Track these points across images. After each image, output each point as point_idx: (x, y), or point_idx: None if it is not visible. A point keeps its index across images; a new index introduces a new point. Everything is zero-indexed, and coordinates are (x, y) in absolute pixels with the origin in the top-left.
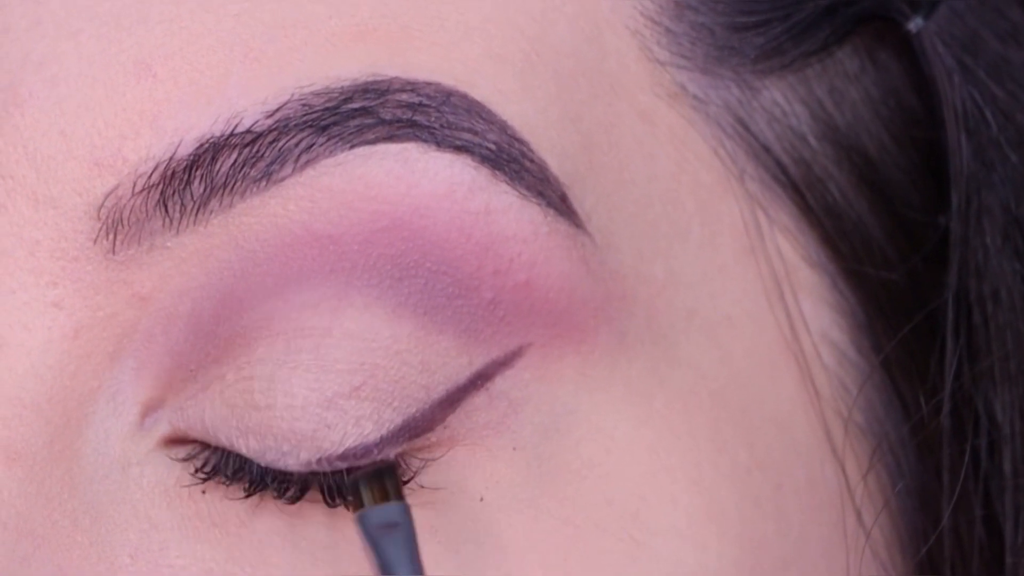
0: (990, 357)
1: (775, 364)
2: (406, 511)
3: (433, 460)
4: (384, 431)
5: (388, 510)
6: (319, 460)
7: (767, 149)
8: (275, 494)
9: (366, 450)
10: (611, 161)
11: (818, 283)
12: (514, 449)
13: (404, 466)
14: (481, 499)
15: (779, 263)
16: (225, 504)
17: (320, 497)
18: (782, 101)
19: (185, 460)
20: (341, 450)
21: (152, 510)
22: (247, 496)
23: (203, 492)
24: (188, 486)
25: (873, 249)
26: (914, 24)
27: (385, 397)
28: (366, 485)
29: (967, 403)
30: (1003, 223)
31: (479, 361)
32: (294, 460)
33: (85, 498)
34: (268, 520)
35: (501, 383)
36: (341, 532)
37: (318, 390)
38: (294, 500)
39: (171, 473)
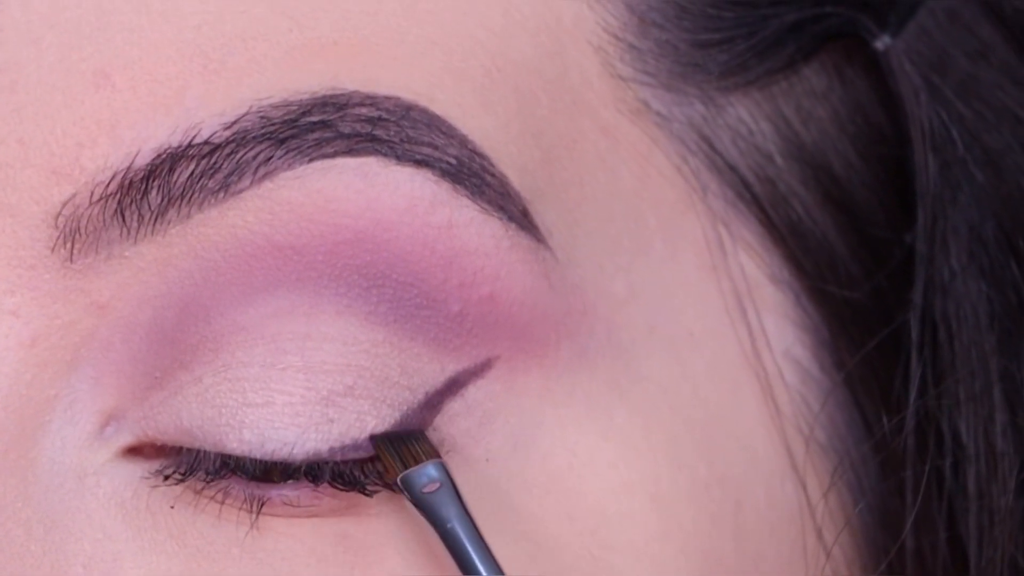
0: (954, 376)
1: (736, 381)
2: (444, 468)
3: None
4: (387, 426)
5: (425, 470)
6: (329, 450)
7: (731, 166)
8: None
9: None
10: (573, 177)
11: (782, 300)
12: (487, 460)
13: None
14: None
15: (741, 280)
16: (188, 514)
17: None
18: (747, 118)
19: (156, 473)
20: (350, 440)
21: (107, 520)
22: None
23: (172, 507)
24: (158, 486)
25: (838, 267)
26: (881, 42)
27: (378, 395)
28: (398, 449)
29: (931, 422)
30: (968, 242)
31: (451, 368)
32: (300, 450)
33: (39, 508)
34: (227, 531)
35: (475, 392)
36: (302, 543)
37: (314, 389)
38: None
39: (127, 484)
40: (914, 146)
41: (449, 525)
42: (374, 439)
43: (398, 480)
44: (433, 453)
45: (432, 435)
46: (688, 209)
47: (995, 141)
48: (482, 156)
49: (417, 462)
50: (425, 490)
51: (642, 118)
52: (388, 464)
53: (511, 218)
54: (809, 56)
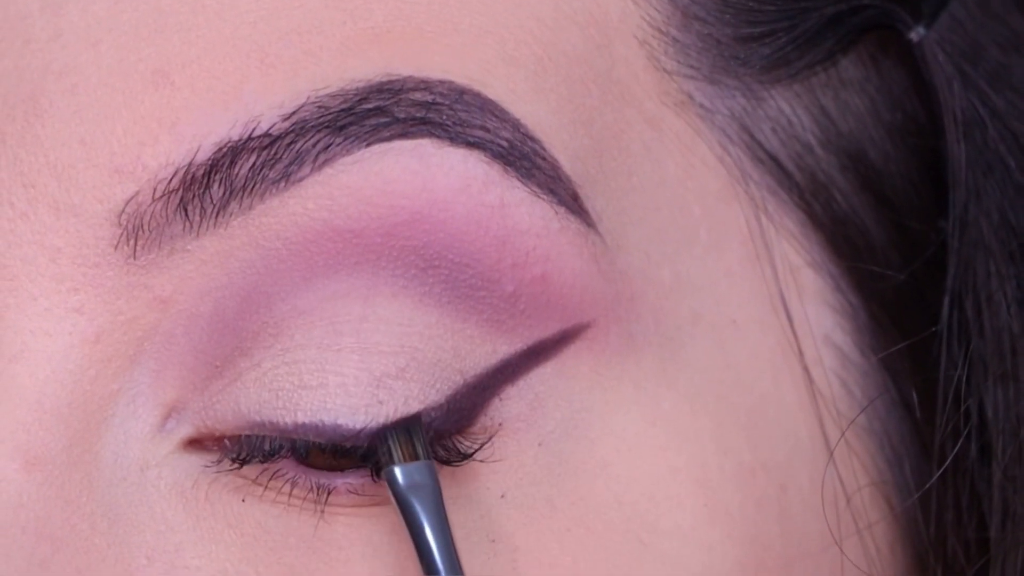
0: (984, 359)
1: (778, 367)
2: (432, 470)
3: (479, 448)
4: (432, 413)
5: (416, 468)
6: (379, 431)
7: (772, 156)
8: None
9: (426, 425)
10: (620, 166)
11: (822, 286)
12: (539, 445)
13: (454, 449)
14: (502, 496)
15: (783, 267)
16: (249, 504)
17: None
18: (787, 110)
19: (215, 462)
20: (393, 423)
21: (168, 512)
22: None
23: (243, 500)
24: (219, 474)
25: (876, 253)
26: (916, 33)
27: (428, 379)
28: (395, 440)
29: (964, 403)
30: (999, 228)
31: (503, 350)
32: (351, 431)
33: (103, 501)
34: (286, 521)
35: (526, 374)
36: (358, 532)
37: (367, 370)
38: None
39: (188, 474)
40: (947, 134)
41: (422, 529)
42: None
43: (383, 472)
44: (428, 453)
45: (485, 419)
46: (731, 198)
47: None
48: (534, 140)
49: (412, 459)
50: (409, 489)
51: (686, 110)
52: (383, 455)
53: (561, 201)
54: (847, 48)
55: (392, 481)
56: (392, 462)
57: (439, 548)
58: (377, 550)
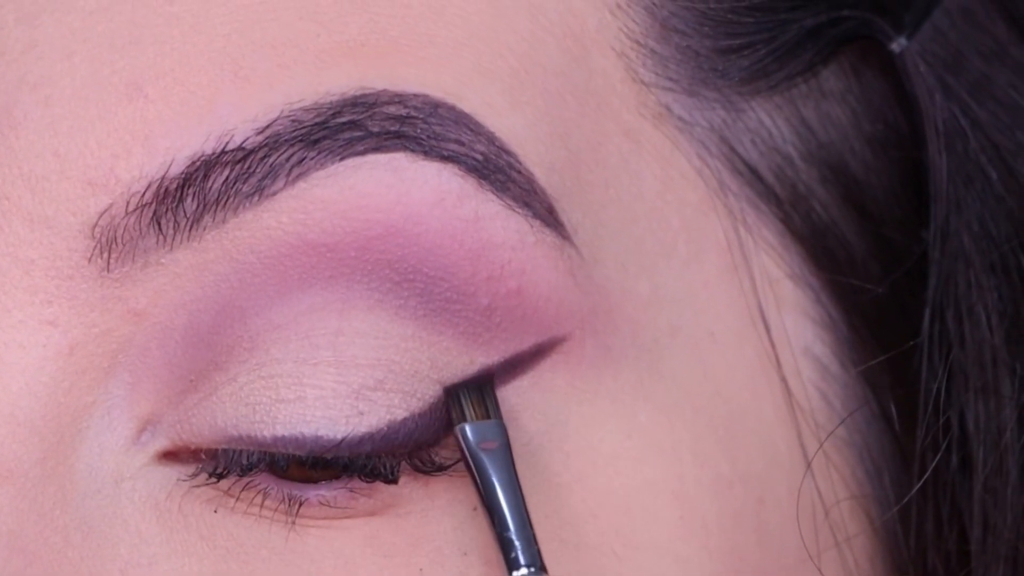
0: (965, 371)
1: (757, 379)
2: (503, 430)
3: (455, 462)
4: (416, 419)
5: (487, 426)
6: (360, 442)
7: (751, 168)
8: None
9: (407, 435)
10: (597, 178)
11: (801, 298)
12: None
13: (430, 461)
14: (475, 508)
15: (763, 279)
16: (221, 516)
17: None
18: (767, 121)
19: (191, 475)
20: (380, 433)
21: (143, 524)
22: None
23: (215, 511)
24: (193, 488)
25: (856, 264)
26: (897, 44)
27: (408, 389)
28: (467, 398)
29: (944, 415)
30: (980, 239)
31: (480, 362)
32: (331, 443)
33: (77, 514)
34: (258, 533)
35: (502, 387)
36: (330, 544)
37: (345, 383)
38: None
39: (162, 487)
40: (928, 145)
41: (493, 487)
42: (448, 387)
43: (456, 429)
44: (498, 413)
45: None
46: (710, 211)
47: (1008, 140)
48: (509, 153)
49: (483, 418)
50: (482, 446)
51: (664, 122)
52: (455, 412)
53: (536, 215)
54: (827, 59)
55: (463, 438)
56: (464, 419)
57: (509, 506)
58: (349, 562)
